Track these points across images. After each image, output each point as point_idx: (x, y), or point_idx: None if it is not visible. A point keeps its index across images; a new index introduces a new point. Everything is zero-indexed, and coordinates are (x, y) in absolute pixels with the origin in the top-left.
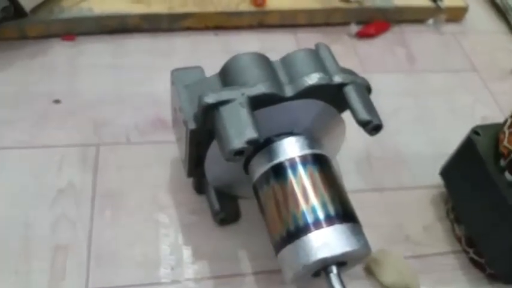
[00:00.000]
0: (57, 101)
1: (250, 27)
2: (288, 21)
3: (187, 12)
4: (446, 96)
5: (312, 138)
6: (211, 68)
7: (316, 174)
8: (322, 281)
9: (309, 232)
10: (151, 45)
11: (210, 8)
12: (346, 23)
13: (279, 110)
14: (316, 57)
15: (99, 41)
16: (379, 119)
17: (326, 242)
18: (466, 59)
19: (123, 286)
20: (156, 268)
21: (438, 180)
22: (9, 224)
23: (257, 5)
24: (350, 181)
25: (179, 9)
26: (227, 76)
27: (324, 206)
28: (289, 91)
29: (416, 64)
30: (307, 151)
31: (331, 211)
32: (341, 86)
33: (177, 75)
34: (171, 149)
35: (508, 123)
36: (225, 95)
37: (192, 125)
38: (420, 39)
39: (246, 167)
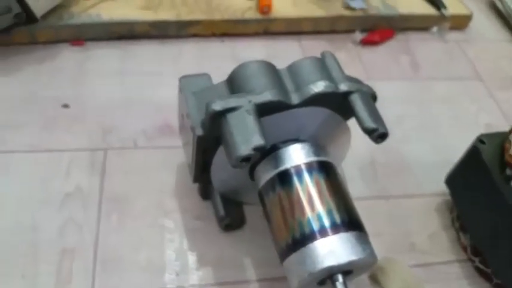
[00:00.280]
0: (65, 106)
1: (256, 34)
2: (293, 29)
3: (194, 19)
4: (451, 104)
5: (317, 145)
6: (218, 74)
7: (322, 182)
8: None
9: (315, 240)
10: (159, 51)
11: (217, 16)
12: (350, 31)
13: (285, 117)
14: (322, 65)
15: (108, 47)
16: (385, 127)
17: (332, 250)
18: (470, 66)
19: None
20: (161, 273)
21: (443, 187)
22: (17, 227)
23: (263, 12)
24: (355, 188)
25: (187, 16)
26: (234, 83)
27: (329, 213)
28: (295, 99)
29: (420, 72)
30: (313, 158)
31: (337, 219)
32: (347, 94)
33: (184, 82)
34: (177, 155)
35: None
36: (232, 102)
37: (200, 132)
38: (424, 47)
39: (252, 173)
